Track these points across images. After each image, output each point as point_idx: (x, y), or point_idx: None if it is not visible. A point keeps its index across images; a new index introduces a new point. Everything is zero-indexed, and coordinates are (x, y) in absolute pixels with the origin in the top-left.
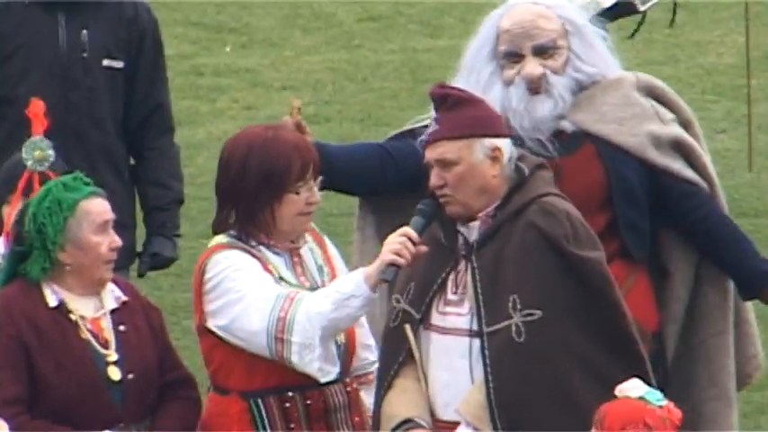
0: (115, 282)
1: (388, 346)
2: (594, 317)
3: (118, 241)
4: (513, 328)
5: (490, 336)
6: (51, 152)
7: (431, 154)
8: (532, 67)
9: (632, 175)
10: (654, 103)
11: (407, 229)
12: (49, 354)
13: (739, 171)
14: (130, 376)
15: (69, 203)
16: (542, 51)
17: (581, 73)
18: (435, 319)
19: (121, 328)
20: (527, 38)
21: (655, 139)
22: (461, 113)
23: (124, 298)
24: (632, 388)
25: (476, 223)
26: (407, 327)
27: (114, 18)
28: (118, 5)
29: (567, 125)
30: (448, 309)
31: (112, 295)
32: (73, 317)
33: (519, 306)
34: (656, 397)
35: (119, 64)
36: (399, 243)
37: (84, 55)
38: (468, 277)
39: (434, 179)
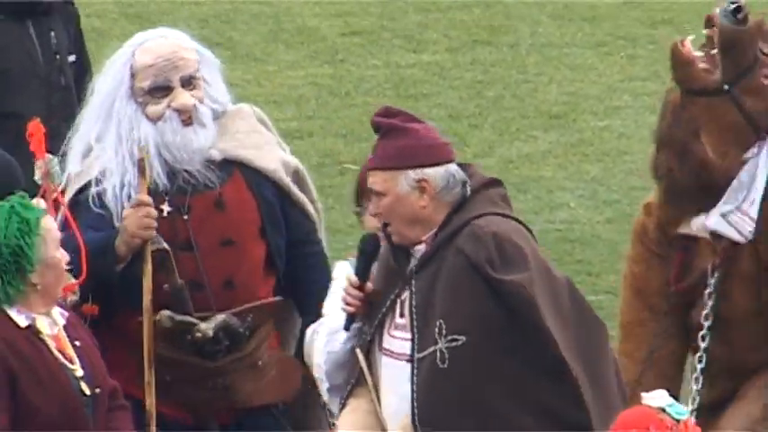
0: None
1: (350, 366)
2: (521, 341)
3: (67, 256)
4: (438, 354)
5: (420, 361)
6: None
7: (368, 181)
8: (185, 98)
9: (273, 200)
10: (274, 132)
11: (348, 275)
12: (32, 376)
13: None
14: (98, 390)
15: (35, 223)
16: (189, 82)
17: (216, 103)
18: (386, 342)
19: (77, 343)
20: (174, 69)
21: (285, 165)
22: (390, 144)
23: (66, 313)
24: (655, 397)
25: (420, 246)
26: (358, 350)
27: (64, 14)
28: (63, 3)
29: (215, 153)
30: (396, 333)
31: (58, 311)
32: (42, 336)
33: (444, 331)
34: (677, 410)
35: (73, 58)
36: (344, 291)
37: (57, 57)
38: (407, 301)
39: (371, 207)
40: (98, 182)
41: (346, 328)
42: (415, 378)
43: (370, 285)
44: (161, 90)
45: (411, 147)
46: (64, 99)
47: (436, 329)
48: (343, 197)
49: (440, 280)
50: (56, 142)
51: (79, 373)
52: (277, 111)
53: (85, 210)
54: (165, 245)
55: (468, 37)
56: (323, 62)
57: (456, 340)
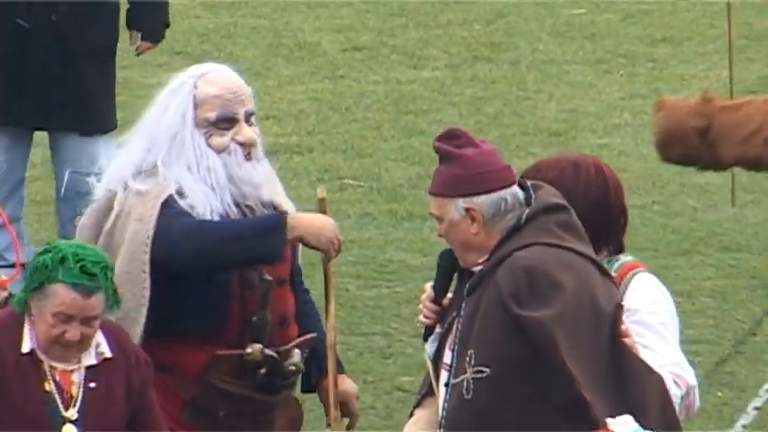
0: (107, 332)
1: (425, 374)
2: (541, 378)
3: (71, 338)
4: (465, 384)
5: (453, 387)
6: None
7: (431, 205)
8: (250, 132)
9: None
10: None
11: (426, 286)
12: (8, 399)
13: (722, 205)
14: None
15: (48, 276)
16: (249, 118)
17: (260, 138)
18: (446, 357)
19: (92, 385)
20: (240, 103)
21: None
22: (443, 170)
23: (108, 354)
24: (620, 423)
25: (478, 268)
26: (428, 360)
27: None
28: None
29: (264, 192)
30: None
31: (95, 351)
32: (44, 366)
33: (473, 361)
34: None
35: None
36: (422, 303)
37: None
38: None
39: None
40: (180, 195)
41: (425, 339)
42: (445, 404)
43: (449, 299)
44: (227, 122)
45: (458, 176)
46: None
47: (467, 358)
48: (342, 212)
49: (480, 308)
50: None
51: (73, 416)
52: (277, 126)
53: (183, 212)
54: (269, 276)
55: (469, 53)
56: (323, 77)
57: (482, 372)
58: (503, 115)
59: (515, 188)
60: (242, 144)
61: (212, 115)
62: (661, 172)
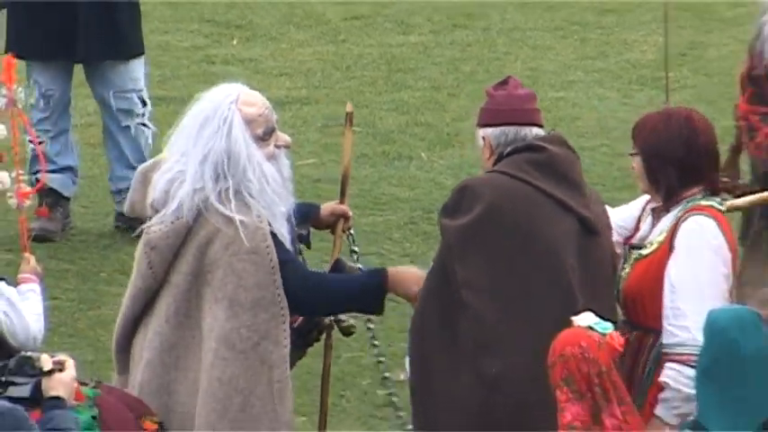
0: None
1: None
2: (447, 279)
3: None
4: None
5: None
6: None
7: None
8: (284, 135)
9: None
10: None
11: None
12: None
13: None
14: None
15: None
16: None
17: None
18: None
19: None
20: (272, 113)
21: None
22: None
23: None
24: (583, 318)
25: None
26: None
27: None
28: None
29: None
30: None
31: None
32: None
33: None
34: (603, 326)
35: None
36: None
37: None
38: None
39: None
40: (270, 224)
41: None
42: None
43: None
44: (270, 133)
45: (482, 109)
46: None
47: None
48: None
49: None
50: None
51: None
52: (289, 82)
53: (284, 245)
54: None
55: (449, 21)
56: (328, 41)
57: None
58: (477, 73)
59: (527, 128)
60: (282, 147)
61: (260, 131)
62: (608, 120)
